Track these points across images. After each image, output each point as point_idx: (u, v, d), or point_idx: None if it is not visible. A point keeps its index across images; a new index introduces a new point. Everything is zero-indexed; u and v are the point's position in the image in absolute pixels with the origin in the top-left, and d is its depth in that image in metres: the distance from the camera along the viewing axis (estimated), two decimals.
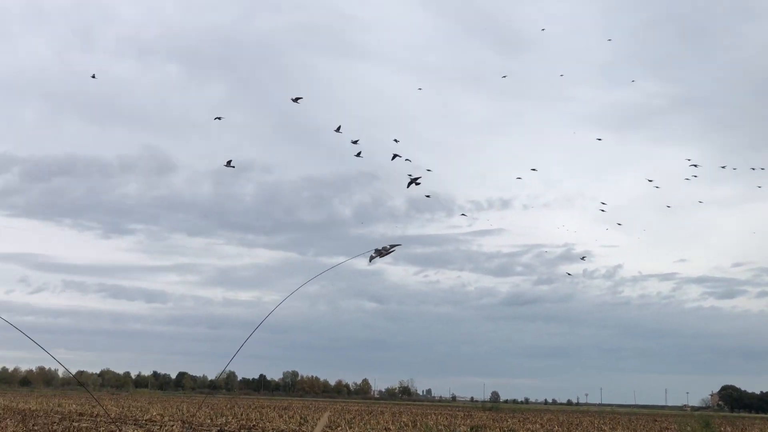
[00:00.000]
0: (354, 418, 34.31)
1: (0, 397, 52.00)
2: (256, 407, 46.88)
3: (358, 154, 29.66)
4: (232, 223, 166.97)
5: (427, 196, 50.24)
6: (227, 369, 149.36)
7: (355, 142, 29.64)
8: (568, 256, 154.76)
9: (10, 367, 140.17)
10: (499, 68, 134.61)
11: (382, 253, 6.44)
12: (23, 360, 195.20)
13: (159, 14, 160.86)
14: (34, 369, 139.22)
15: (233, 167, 28.99)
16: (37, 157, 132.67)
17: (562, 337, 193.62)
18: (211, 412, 36.26)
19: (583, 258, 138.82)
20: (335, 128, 29.02)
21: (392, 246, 6.35)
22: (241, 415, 34.55)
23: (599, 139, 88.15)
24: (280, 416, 33.79)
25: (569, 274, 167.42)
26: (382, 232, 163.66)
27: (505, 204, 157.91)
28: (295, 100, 28.88)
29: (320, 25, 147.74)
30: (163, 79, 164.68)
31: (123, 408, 37.13)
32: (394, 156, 36.46)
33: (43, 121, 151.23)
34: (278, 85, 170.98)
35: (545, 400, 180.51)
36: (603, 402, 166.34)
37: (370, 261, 6.39)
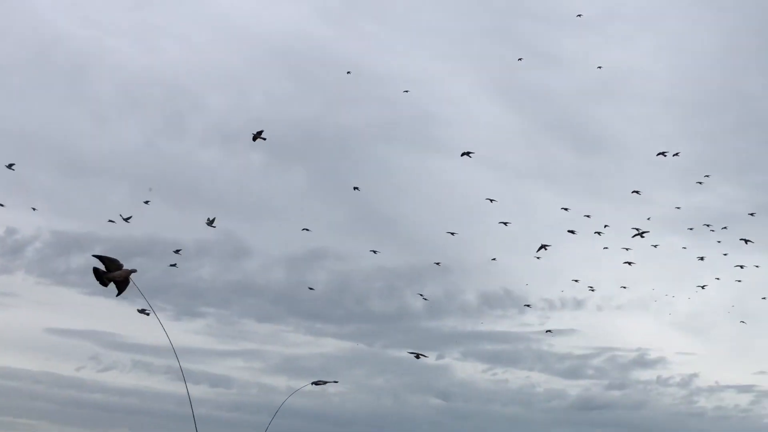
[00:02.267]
0: None
1: None
2: None
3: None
4: (302, 311, 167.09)
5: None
6: None
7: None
8: (641, 362, 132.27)
9: None
10: (576, 168, 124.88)
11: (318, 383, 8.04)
12: None
13: (246, 105, 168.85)
14: None
15: (264, 139, 34.77)
16: (118, 237, 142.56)
17: None
18: None
19: (653, 364, 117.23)
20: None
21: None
22: None
23: (684, 248, 76.60)
24: None
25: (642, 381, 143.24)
26: (453, 325, 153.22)
27: (578, 304, 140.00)
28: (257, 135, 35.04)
29: (401, 119, 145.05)
30: (245, 166, 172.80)
31: None
32: None
33: (128, 203, 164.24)
34: (356, 175, 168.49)
35: None
36: None
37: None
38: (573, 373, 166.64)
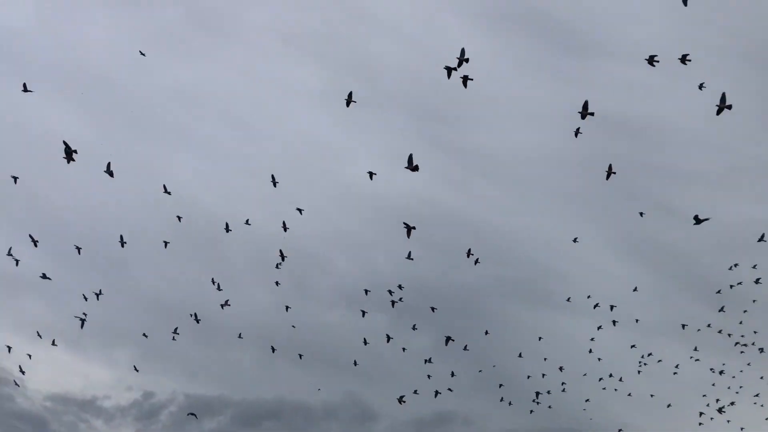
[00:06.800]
0: None
1: None
2: None
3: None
4: None
5: None
6: None
7: None
8: None
9: None
10: (707, 320, 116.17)
11: None
12: None
13: (369, 266, 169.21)
14: None
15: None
16: (248, 400, 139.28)
17: None
18: None
19: None
20: None
21: None
22: None
23: None
24: None
25: None
26: None
27: None
28: None
29: (521, 277, 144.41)
30: (370, 328, 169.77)
31: None
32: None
33: (259, 366, 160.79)
34: (480, 334, 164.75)
35: None
36: None
37: None
38: None
